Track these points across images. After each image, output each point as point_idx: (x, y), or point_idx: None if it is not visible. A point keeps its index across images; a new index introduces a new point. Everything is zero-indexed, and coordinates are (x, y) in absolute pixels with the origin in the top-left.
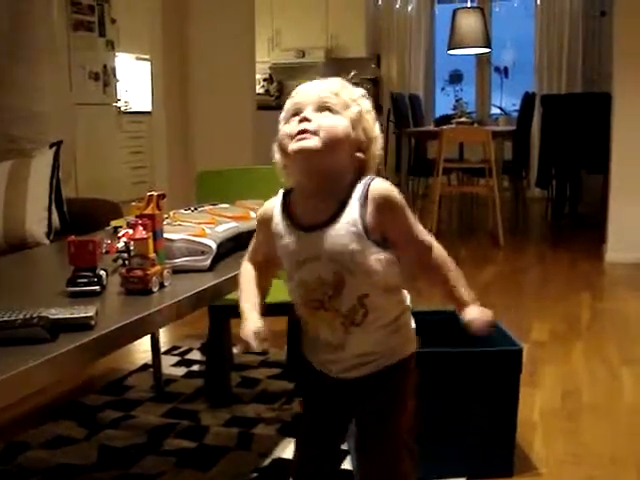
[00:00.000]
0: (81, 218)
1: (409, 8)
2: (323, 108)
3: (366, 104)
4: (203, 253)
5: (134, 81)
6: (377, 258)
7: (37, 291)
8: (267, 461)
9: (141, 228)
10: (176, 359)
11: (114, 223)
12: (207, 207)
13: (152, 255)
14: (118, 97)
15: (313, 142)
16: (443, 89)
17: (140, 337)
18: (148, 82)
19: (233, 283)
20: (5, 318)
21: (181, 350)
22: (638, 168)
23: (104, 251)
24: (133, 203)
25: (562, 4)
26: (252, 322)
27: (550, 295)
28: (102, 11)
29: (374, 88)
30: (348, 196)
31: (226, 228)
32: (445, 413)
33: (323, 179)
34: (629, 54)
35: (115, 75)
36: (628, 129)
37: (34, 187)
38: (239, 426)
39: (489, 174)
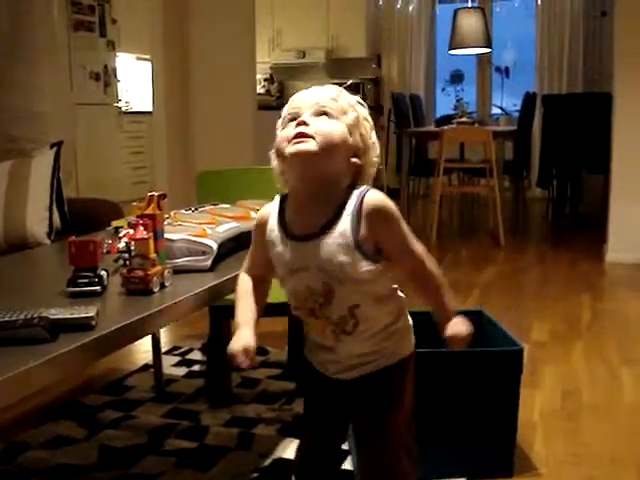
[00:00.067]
0: (82, 218)
1: (410, 8)
2: (320, 113)
3: (363, 111)
4: (204, 253)
5: (135, 81)
6: (367, 269)
7: (38, 291)
8: (267, 461)
9: (142, 228)
10: (177, 359)
11: (115, 223)
12: (208, 207)
13: (153, 255)
14: (119, 97)
15: (310, 145)
16: (444, 89)
17: (141, 337)
18: (149, 82)
19: (234, 283)
20: (6, 318)
21: (182, 350)
22: (639, 168)
23: (105, 251)
24: (134, 203)
25: (563, 4)
26: (242, 339)
27: (550, 295)
28: (103, 11)
29: (375, 88)
30: (342, 205)
31: (227, 228)
32: (445, 413)
33: (319, 183)
34: (630, 54)
35: (116, 75)
36: (629, 129)
37: (35, 187)
38: (239, 426)
39: (490, 174)
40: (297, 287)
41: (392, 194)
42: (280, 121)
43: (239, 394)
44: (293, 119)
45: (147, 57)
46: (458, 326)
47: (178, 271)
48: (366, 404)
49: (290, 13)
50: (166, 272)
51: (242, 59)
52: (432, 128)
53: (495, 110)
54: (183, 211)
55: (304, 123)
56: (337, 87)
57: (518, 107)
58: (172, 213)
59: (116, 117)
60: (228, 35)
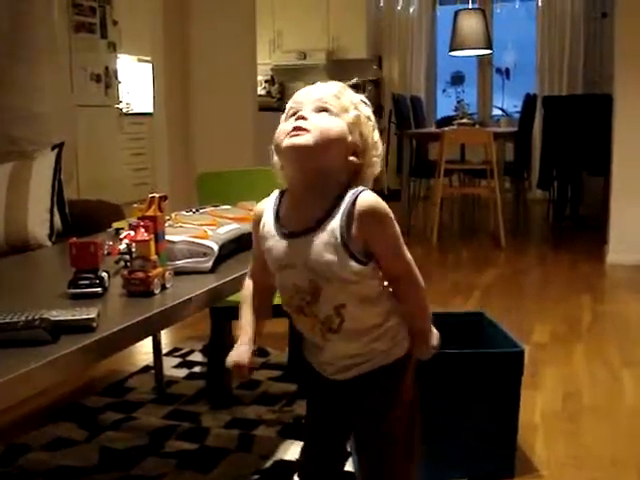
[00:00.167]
0: (83, 220)
1: (411, 9)
2: (321, 109)
3: (366, 110)
4: (205, 255)
5: (135, 83)
6: (354, 270)
7: (39, 293)
8: (268, 463)
9: (143, 230)
10: (177, 361)
11: (116, 225)
12: (209, 209)
13: (154, 257)
14: (119, 99)
15: (304, 139)
16: (444, 90)
17: (142, 339)
18: (149, 84)
19: (235, 285)
20: (7, 320)
21: (182, 352)
22: (639, 170)
23: (106, 253)
24: (135, 205)
25: (563, 6)
26: (235, 355)
27: (551, 297)
28: (104, 13)
29: (375, 89)
30: (336, 203)
31: (228, 230)
32: (447, 414)
33: (315, 175)
34: (630, 56)
35: (117, 77)
36: (629, 131)
37: (36, 189)
38: (240, 428)
39: (490, 175)
40: (285, 284)
41: (393, 195)
42: (283, 116)
43: (240, 396)
44: (294, 114)
45: (148, 58)
46: (423, 352)
47: (179, 273)
48: (363, 404)
49: (291, 15)
50: (167, 274)
51: (243, 60)
52: (433, 129)
53: (496, 111)
54: (184, 213)
55: (303, 118)
56: (341, 84)
57: (519, 108)
58: (173, 215)
59: (117, 119)
60: (229, 36)
